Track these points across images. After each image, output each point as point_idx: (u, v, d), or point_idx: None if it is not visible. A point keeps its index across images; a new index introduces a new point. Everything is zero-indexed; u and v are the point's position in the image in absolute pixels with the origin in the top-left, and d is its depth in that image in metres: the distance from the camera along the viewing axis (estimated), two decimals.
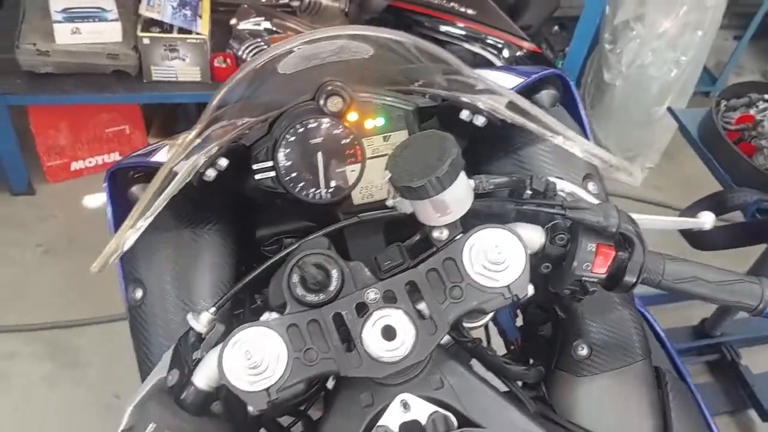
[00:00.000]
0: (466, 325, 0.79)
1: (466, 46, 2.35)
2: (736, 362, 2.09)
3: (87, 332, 2.03)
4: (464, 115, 0.81)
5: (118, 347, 1.98)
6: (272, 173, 0.81)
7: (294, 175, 0.81)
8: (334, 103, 0.80)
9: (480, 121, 0.79)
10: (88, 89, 2.13)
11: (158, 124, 2.51)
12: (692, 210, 1.55)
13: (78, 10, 2.02)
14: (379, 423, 0.67)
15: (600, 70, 2.65)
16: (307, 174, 0.81)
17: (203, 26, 2.09)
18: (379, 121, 0.83)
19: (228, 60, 2.18)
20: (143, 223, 0.68)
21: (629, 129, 2.70)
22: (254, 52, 2.19)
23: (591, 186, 0.90)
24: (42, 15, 2.06)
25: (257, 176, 0.81)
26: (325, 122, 0.80)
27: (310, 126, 0.80)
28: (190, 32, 2.08)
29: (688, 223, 0.88)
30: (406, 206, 0.71)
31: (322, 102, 0.80)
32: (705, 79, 3.05)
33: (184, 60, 2.11)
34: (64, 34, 2.03)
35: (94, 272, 0.66)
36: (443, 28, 2.40)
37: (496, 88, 0.76)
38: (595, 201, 0.80)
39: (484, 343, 0.82)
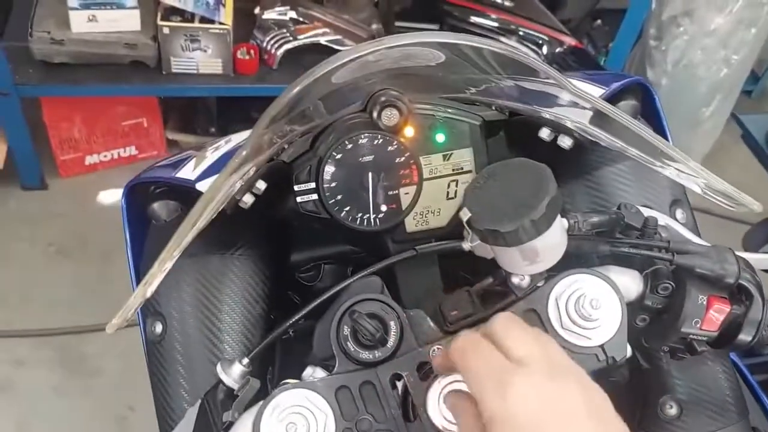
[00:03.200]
0: None
1: (502, 40, 2.21)
2: None
3: (99, 339, 1.92)
4: (545, 134, 0.68)
5: (132, 355, 1.88)
6: (315, 196, 0.69)
7: (340, 197, 0.69)
8: (389, 116, 0.68)
9: (567, 142, 0.66)
10: (104, 80, 2.01)
11: (176, 118, 2.39)
12: (758, 229, 1.42)
13: None
14: None
15: (643, 68, 2.49)
16: (355, 197, 0.69)
17: (226, 15, 1.96)
18: (440, 138, 0.71)
19: (252, 51, 2.05)
20: (169, 264, 0.57)
21: (673, 132, 2.55)
22: (279, 43, 2.07)
23: (679, 214, 0.78)
24: (57, 1, 1.94)
25: (298, 198, 0.70)
26: (378, 138, 0.68)
27: (360, 142, 0.68)
28: (212, 22, 1.95)
29: None
30: (485, 251, 0.58)
31: (375, 114, 0.68)
32: (747, 77, 2.88)
33: (205, 51, 1.98)
34: (79, 22, 1.91)
35: (110, 333, 0.55)
36: (474, 19, 2.26)
37: (588, 97, 0.63)
38: (698, 240, 0.67)
39: None
